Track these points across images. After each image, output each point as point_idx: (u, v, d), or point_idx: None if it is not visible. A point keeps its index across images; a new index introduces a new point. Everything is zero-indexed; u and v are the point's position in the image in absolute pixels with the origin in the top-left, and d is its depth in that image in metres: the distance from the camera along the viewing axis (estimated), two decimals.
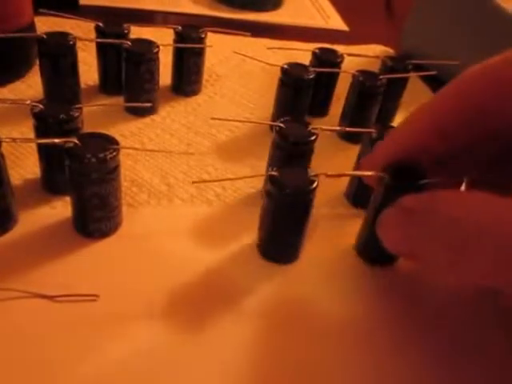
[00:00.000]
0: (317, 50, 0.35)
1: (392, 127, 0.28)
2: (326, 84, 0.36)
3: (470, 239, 0.16)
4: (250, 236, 0.25)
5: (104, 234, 0.23)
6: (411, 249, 0.19)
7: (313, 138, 0.25)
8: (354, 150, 0.29)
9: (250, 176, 0.27)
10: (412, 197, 0.19)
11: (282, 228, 0.23)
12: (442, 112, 0.20)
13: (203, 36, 0.34)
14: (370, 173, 0.22)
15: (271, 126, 0.33)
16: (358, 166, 0.24)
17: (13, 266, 0.21)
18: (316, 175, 0.22)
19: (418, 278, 0.24)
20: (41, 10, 0.31)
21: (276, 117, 0.32)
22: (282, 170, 0.22)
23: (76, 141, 0.21)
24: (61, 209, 0.25)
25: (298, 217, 0.22)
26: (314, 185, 0.21)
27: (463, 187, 0.24)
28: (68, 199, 0.24)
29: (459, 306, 0.23)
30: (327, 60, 0.35)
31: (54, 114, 0.23)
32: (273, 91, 0.33)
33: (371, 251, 0.24)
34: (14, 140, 0.20)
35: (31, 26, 0.34)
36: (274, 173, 0.21)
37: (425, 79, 0.44)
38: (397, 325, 0.22)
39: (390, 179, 0.21)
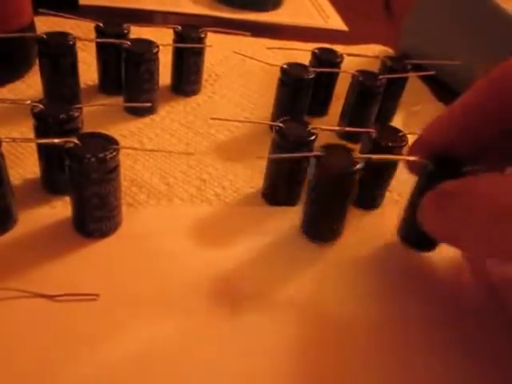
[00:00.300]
0: (316, 50, 0.35)
1: (391, 127, 0.28)
2: (325, 84, 0.36)
3: (509, 217, 0.16)
4: (249, 235, 0.25)
5: (104, 233, 0.23)
6: (450, 232, 0.19)
7: (312, 137, 0.25)
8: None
9: None
10: (452, 181, 0.19)
11: (326, 207, 0.24)
12: (470, 108, 0.21)
13: (203, 36, 0.34)
14: (413, 158, 0.22)
15: (271, 126, 0.33)
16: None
17: (13, 265, 0.21)
18: (360, 157, 0.23)
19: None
20: (40, 10, 0.31)
21: (276, 117, 0.33)
22: (327, 150, 0.23)
23: (76, 141, 0.21)
24: (61, 209, 0.25)
25: (342, 196, 0.23)
26: (358, 166, 0.22)
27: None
28: (68, 199, 0.24)
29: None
30: (327, 60, 0.35)
31: (54, 114, 0.23)
32: (272, 91, 0.33)
33: (413, 236, 0.25)
34: (13, 140, 0.20)
35: (31, 26, 0.34)
36: (319, 153, 0.22)
37: (424, 79, 0.44)
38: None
39: (433, 166, 0.22)
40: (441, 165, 0.22)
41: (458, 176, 0.21)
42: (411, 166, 0.24)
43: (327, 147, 0.23)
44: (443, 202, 0.19)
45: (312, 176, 0.23)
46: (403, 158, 0.24)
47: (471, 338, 0.22)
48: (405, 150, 0.25)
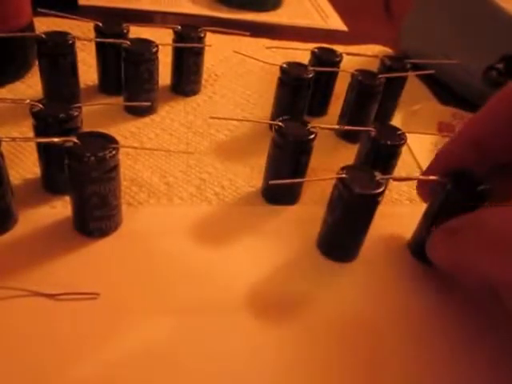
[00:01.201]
0: (316, 50, 0.35)
1: (390, 125, 0.28)
2: (325, 83, 0.36)
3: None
4: (249, 234, 0.25)
5: (104, 233, 0.23)
6: (458, 265, 0.20)
7: (312, 136, 0.25)
8: (353, 150, 0.29)
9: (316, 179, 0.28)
10: (457, 218, 0.21)
11: (346, 227, 0.24)
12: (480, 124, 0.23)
13: (202, 35, 0.34)
14: (433, 177, 0.23)
15: (270, 126, 0.33)
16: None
17: (13, 265, 0.21)
18: (383, 178, 0.22)
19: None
20: (40, 10, 0.31)
21: (275, 116, 0.33)
22: (350, 171, 0.23)
23: (75, 140, 0.21)
24: (61, 208, 0.25)
25: (363, 218, 0.23)
26: (382, 188, 0.22)
27: None
28: (68, 199, 0.24)
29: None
30: (326, 59, 0.35)
31: (54, 113, 0.23)
32: (272, 91, 0.33)
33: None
34: (13, 139, 0.20)
35: (30, 27, 0.34)
36: (343, 175, 0.22)
37: (423, 79, 0.44)
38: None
39: (452, 184, 0.22)
40: (459, 183, 0.23)
41: (475, 193, 0.22)
42: (424, 193, 0.25)
43: (349, 168, 0.23)
44: (448, 238, 0.21)
45: (335, 197, 0.23)
46: (423, 179, 0.24)
47: (477, 344, 0.22)
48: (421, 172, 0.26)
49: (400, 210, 0.29)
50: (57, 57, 0.30)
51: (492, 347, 0.22)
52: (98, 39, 0.32)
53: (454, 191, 0.22)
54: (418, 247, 0.25)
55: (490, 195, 0.22)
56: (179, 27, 0.34)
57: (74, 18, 0.33)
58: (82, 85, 0.33)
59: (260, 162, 0.29)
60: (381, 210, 0.23)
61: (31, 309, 0.20)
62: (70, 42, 0.30)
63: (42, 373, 0.18)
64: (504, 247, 0.17)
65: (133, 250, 0.23)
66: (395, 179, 0.24)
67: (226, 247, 0.24)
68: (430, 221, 0.24)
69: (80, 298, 0.20)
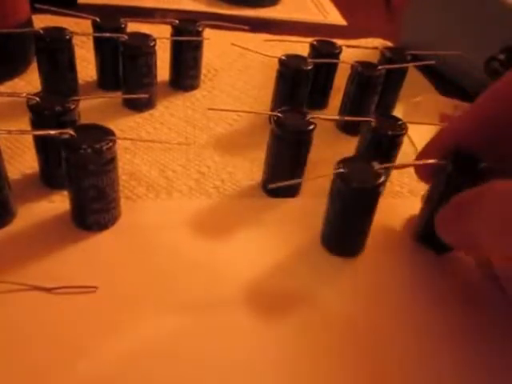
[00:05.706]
0: (315, 42, 0.35)
1: (391, 116, 0.27)
2: (324, 76, 0.35)
3: None
4: (249, 227, 0.25)
5: (102, 226, 0.23)
6: (468, 240, 0.20)
7: (311, 127, 0.25)
8: (354, 142, 0.29)
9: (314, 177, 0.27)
10: (464, 192, 0.20)
11: (349, 223, 0.23)
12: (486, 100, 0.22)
13: (200, 29, 0.34)
14: (432, 161, 0.22)
15: (270, 119, 0.33)
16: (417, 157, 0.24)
17: (11, 259, 0.21)
18: (382, 168, 0.22)
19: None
20: (37, 6, 0.31)
21: (275, 109, 0.32)
22: (348, 164, 0.22)
23: (72, 132, 0.21)
24: (59, 203, 0.24)
25: (364, 211, 0.23)
26: (381, 179, 0.22)
27: None
28: (66, 193, 0.24)
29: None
30: (325, 51, 0.34)
31: (50, 107, 0.22)
32: (271, 85, 0.33)
33: (434, 239, 0.23)
34: (8, 132, 0.20)
35: (28, 24, 0.34)
36: (341, 170, 0.22)
37: (424, 71, 0.44)
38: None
39: (452, 166, 0.22)
40: (459, 164, 0.22)
41: (476, 173, 0.21)
42: (422, 173, 0.24)
43: (346, 161, 0.22)
44: (456, 213, 0.20)
45: (334, 192, 0.22)
46: (423, 163, 0.24)
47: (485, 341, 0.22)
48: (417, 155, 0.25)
49: (402, 203, 0.29)
50: (54, 52, 0.29)
51: (494, 341, 0.22)
52: (96, 34, 0.32)
53: (455, 173, 0.22)
54: (422, 233, 0.25)
55: (490, 173, 0.21)
56: (177, 21, 0.34)
57: (72, 15, 0.33)
58: (80, 81, 0.33)
59: (260, 155, 0.28)
60: (383, 203, 0.23)
61: (29, 303, 0.20)
62: (67, 36, 0.30)
63: (40, 367, 0.18)
64: (504, 220, 0.17)
65: (131, 243, 0.23)
66: (395, 167, 0.24)
67: (227, 241, 0.24)
68: (434, 206, 0.23)
69: (78, 291, 0.20)
